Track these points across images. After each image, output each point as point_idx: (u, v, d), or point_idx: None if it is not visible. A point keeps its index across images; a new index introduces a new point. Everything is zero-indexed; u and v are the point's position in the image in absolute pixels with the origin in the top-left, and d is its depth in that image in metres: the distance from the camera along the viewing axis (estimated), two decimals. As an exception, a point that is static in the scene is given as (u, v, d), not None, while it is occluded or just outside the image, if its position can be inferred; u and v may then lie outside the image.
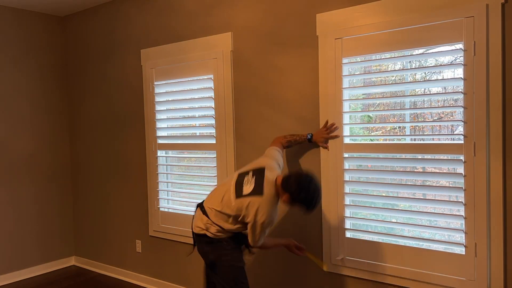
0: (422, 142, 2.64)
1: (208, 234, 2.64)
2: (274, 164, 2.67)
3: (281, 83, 3.13)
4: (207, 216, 2.65)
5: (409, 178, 2.72)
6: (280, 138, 2.95)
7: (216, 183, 3.53)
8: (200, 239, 2.70)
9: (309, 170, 2.95)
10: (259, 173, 2.57)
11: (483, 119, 2.34)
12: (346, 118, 2.84)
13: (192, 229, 2.76)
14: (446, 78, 2.59)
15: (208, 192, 2.85)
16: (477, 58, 2.34)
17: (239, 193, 2.54)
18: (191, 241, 3.70)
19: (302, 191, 2.42)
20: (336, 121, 2.84)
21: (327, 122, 2.85)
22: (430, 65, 2.65)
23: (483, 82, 2.33)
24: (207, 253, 2.67)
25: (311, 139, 2.89)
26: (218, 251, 2.64)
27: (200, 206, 2.76)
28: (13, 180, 4.42)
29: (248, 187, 2.52)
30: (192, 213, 3.72)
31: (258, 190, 2.49)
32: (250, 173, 2.60)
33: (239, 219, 2.55)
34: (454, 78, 2.46)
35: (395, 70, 2.72)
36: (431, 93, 2.64)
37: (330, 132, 2.83)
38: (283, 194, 2.49)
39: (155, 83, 3.92)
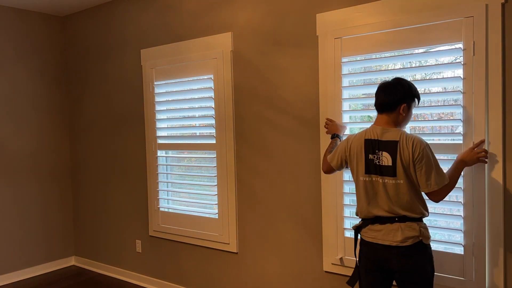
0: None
1: (424, 239, 2.17)
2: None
3: (281, 83, 3.13)
4: (411, 220, 2.18)
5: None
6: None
7: (216, 183, 3.53)
8: (409, 253, 2.16)
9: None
10: (383, 145, 2.21)
11: (482, 118, 2.34)
12: (346, 118, 2.85)
13: (381, 246, 2.22)
14: (446, 77, 2.59)
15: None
16: (477, 57, 2.34)
17: (385, 170, 2.18)
18: (191, 241, 3.72)
19: (411, 87, 2.23)
20: (336, 120, 2.84)
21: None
22: (430, 65, 2.64)
23: (482, 82, 2.33)
24: (424, 265, 2.18)
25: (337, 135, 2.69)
26: (430, 257, 2.21)
27: (374, 221, 2.26)
28: (13, 180, 4.42)
29: (384, 159, 2.18)
30: (191, 213, 3.74)
31: (391, 141, 2.18)
32: (370, 153, 2.23)
33: (412, 175, 2.15)
34: (453, 77, 2.46)
35: (395, 70, 2.72)
36: (431, 92, 2.64)
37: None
38: (398, 108, 2.21)
39: (155, 83, 3.92)
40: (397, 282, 2.25)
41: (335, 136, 2.68)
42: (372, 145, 2.23)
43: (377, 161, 2.21)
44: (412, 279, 2.18)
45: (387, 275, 2.27)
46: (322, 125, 2.90)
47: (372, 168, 2.23)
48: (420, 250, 2.17)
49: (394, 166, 2.15)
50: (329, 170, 2.52)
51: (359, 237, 2.37)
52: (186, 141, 3.77)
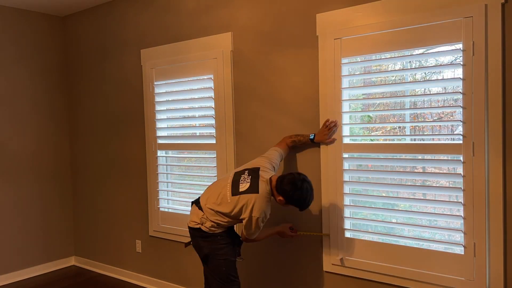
0: (422, 142, 2.64)
1: (203, 228, 2.74)
2: (268, 165, 2.81)
3: (281, 83, 3.13)
4: (202, 211, 2.76)
5: (409, 178, 2.72)
6: (286, 138, 3.03)
7: (216, 183, 3.54)
8: (195, 234, 2.80)
9: (300, 171, 2.97)
10: (254, 173, 2.71)
11: (482, 119, 2.34)
12: (346, 118, 2.85)
13: (188, 224, 2.86)
14: (446, 78, 2.59)
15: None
16: (476, 58, 2.34)
17: (235, 190, 2.67)
18: (191, 241, 3.72)
19: (296, 192, 2.55)
20: (336, 121, 2.84)
21: (326, 121, 2.86)
22: (430, 65, 2.65)
23: (481, 82, 2.33)
24: (202, 247, 2.77)
25: (314, 140, 2.91)
26: (213, 245, 2.75)
27: (195, 202, 2.88)
28: (13, 180, 4.42)
29: (244, 185, 2.66)
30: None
31: (253, 188, 2.63)
32: (246, 172, 2.74)
33: (234, 215, 2.67)
34: (453, 78, 2.46)
35: (395, 70, 2.72)
36: (431, 93, 2.65)
37: (330, 129, 2.84)
38: (278, 196, 2.64)
39: (155, 83, 3.92)
40: None
41: (312, 137, 2.91)
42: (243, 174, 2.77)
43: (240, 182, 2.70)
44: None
45: None
46: (322, 125, 2.90)
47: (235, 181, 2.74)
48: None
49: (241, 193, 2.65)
50: None
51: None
52: (186, 141, 3.77)
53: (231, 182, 2.73)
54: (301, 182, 2.57)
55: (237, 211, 2.65)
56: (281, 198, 2.61)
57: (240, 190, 2.65)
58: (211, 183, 3.61)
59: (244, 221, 2.65)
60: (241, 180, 2.70)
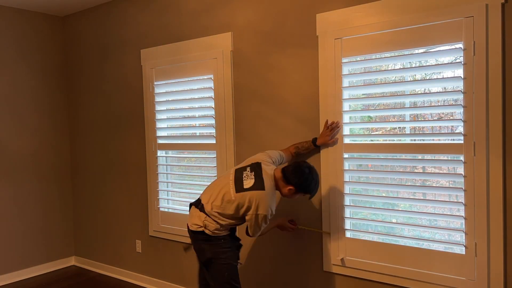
0: (422, 142, 2.63)
1: (206, 231, 2.64)
2: (268, 159, 2.75)
3: (281, 83, 3.13)
4: (205, 213, 2.66)
5: (409, 178, 2.72)
6: (290, 147, 3.00)
7: (216, 183, 3.53)
8: (197, 237, 2.69)
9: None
10: (256, 168, 2.64)
11: (483, 118, 2.34)
12: (346, 118, 2.84)
13: (188, 227, 2.76)
14: (446, 77, 2.59)
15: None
16: (477, 57, 2.34)
17: (239, 187, 2.58)
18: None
19: (307, 180, 2.53)
20: (335, 121, 2.84)
21: (326, 122, 2.85)
22: (430, 65, 2.64)
23: (482, 82, 2.33)
24: (204, 250, 2.67)
25: (316, 143, 2.88)
26: (216, 248, 2.65)
27: (195, 204, 2.77)
28: (13, 180, 4.42)
29: (248, 182, 2.58)
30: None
31: (258, 184, 2.55)
32: (248, 169, 2.66)
33: (241, 213, 2.59)
34: (454, 77, 2.46)
35: (395, 70, 2.72)
36: (431, 92, 2.64)
37: (333, 130, 2.82)
38: (286, 186, 2.59)
39: (155, 83, 3.92)
40: None
41: (314, 141, 2.88)
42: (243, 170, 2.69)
43: (244, 177, 2.63)
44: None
45: None
46: (322, 126, 2.90)
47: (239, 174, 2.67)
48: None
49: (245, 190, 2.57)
50: None
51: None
52: (186, 141, 3.77)
53: (233, 179, 2.64)
54: (308, 168, 2.56)
55: (243, 209, 2.57)
56: (291, 187, 2.56)
57: (245, 187, 2.57)
58: (211, 183, 3.63)
59: (249, 219, 2.57)
60: (244, 177, 2.61)
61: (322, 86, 2.90)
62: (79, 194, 4.81)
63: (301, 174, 2.54)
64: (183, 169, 3.91)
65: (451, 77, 2.49)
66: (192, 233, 2.73)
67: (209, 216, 2.65)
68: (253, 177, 2.59)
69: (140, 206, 4.16)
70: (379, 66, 2.86)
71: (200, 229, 2.66)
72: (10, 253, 4.40)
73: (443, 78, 2.60)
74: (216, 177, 3.51)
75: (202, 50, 3.55)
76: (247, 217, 2.58)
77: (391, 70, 2.75)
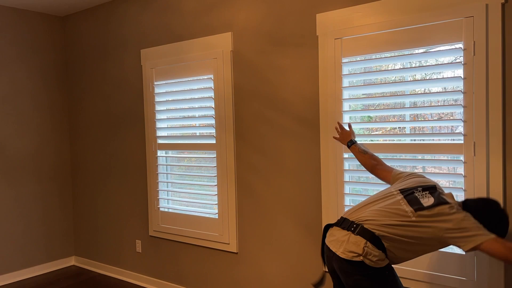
0: (422, 142, 2.64)
1: (367, 261, 2.01)
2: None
3: (281, 83, 3.13)
4: (363, 237, 2.04)
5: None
6: (369, 159, 2.51)
7: (216, 183, 3.53)
8: (353, 269, 2.04)
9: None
10: (432, 189, 2.15)
11: (483, 118, 2.34)
12: (346, 118, 2.85)
13: (332, 253, 2.12)
14: (446, 77, 2.59)
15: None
16: (477, 57, 2.34)
17: (417, 207, 2.07)
18: (191, 241, 3.72)
19: (502, 222, 2.09)
20: (336, 121, 2.84)
21: (339, 124, 2.71)
22: (430, 65, 2.64)
23: (482, 82, 2.33)
24: None
25: (350, 144, 2.63)
26: (382, 285, 2.05)
27: (342, 225, 2.16)
28: (13, 180, 4.42)
29: (427, 200, 2.09)
30: (190, 213, 3.74)
31: (441, 200, 2.08)
32: (420, 189, 2.16)
33: (426, 235, 2.04)
34: (454, 77, 2.46)
35: (395, 70, 2.72)
36: (431, 92, 2.64)
37: (342, 128, 2.67)
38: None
39: (155, 83, 3.92)
40: None
41: (352, 143, 2.59)
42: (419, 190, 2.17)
43: (419, 196, 2.13)
44: None
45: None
46: (322, 126, 2.90)
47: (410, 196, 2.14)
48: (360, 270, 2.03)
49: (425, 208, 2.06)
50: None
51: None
52: (186, 141, 3.77)
53: (403, 199, 2.12)
54: (496, 205, 2.10)
55: (432, 229, 2.01)
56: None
57: (425, 205, 2.06)
58: (211, 183, 3.63)
59: (453, 233, 1.99)
60: (420, 196, 2.11)
61: (322, 86, 2.90)
62: (79, 194, 4.81)
63: (495, 216, 2.07)
64: (183, 169, 3.91)
65: (451, 77, 2.49)
66: (343, 264, 2.08)
67: (370, 243, 2.06)
68: (429, 195, 2.12)
69: (140, 206, 4.16)
70: (379, 66, 2.86)
71: (359, 259, 2.03)
72: (10, 253, 4.40)
73: (443, 78, 2.60)
74: (216, 177, 3.51)
75: (202, 50, 3.56)
76: (451, 233, 2.03)
77: (391, 70, 2.75)
